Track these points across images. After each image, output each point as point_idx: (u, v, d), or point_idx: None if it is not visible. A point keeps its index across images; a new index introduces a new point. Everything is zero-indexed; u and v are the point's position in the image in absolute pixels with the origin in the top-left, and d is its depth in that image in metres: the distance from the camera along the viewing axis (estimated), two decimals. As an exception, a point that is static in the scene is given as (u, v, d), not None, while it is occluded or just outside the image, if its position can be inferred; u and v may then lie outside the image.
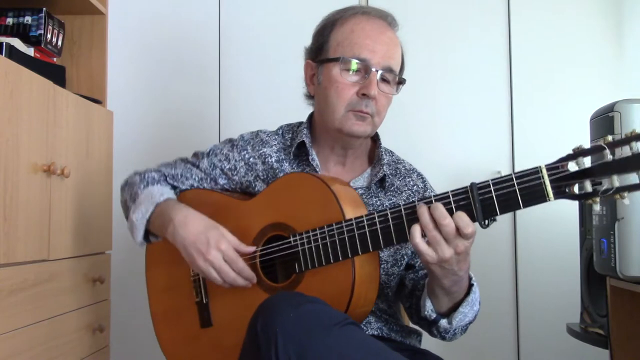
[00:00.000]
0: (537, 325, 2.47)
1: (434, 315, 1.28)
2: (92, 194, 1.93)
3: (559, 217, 2.41)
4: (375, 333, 1.39)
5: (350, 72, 1.38)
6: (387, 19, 1.44)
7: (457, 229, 1.13)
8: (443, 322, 1.29)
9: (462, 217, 1.13)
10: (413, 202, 1.18)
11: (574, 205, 2.12)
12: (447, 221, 1.13)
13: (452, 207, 1.14)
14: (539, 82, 2.54)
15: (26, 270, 1.55)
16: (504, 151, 2.53)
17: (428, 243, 1.15)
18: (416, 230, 1.15)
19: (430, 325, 1.32)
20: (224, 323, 1.40)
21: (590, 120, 1.82)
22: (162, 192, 1.46)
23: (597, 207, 1.06)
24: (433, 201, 1.16)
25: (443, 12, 2.59)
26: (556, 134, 2.49)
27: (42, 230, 1.63)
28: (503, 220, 2.49)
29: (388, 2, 2.59)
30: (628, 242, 1.63)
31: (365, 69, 1.37)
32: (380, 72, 1.37)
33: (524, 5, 2.56)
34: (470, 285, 1.27)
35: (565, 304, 2.31)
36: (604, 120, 1.70)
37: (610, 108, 1.68)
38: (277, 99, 2.51)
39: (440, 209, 1.14)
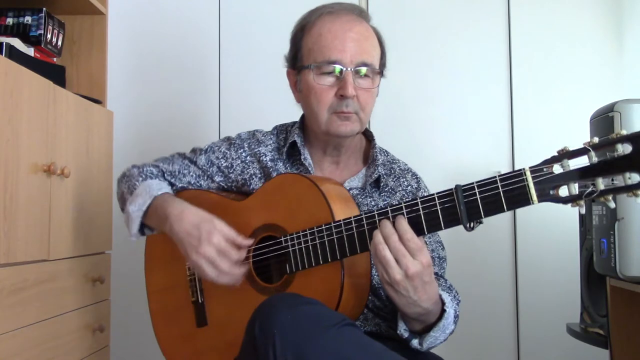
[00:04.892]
0: (537, 325, 2.47)
1: (406, 335, 1.28)
2: (92, 194, 1.93)
3: (559, 217, 2.41)
4: (374, 329, 1.40)
5: (325, 76, 1.38)
6: (355, 12, 1.43)
7: (402, 242, 1.14)
8: (414, 343, 1.28)
9: (402, 223, 1.15)
10: (400, 204, 1.18)
11: (574, 205, 2.12)
12: (394, 237, 1.14)
13: (437, 209, 1.14)
14: (539, 82, 2.54)
15: (26, 270, 1.55)
16: (504, 151, 2.53)
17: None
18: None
19: (404, 342, 1.31)
20: (219, 322, 1.41)
21: (590, 120, 1.82)
22: (160, 187, 1.46)
23: (582, 210, 1.05)
24: (419, 203, 1.15)
25: (443, 11, 2.59)
26: (556, 134, 2.49)
27: (42, 230, 1.63)
28: (503, 220, 2.50)
29: (388, 3, 2.61)
30: (628, 242, 1.62)
31: (339, 70, 1.37)
32: (354, 69, 1.37)
33: (524, 5, 2.56)
34: (443, 311, 1.25)
35: (565, 304, 2.31)
36: (604, 120, 1.70)
37: (610, 108, 1.68)
38: (277, 98, 2.50)
39: (388, 227, 1.15)
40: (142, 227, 1.46)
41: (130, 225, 1.45)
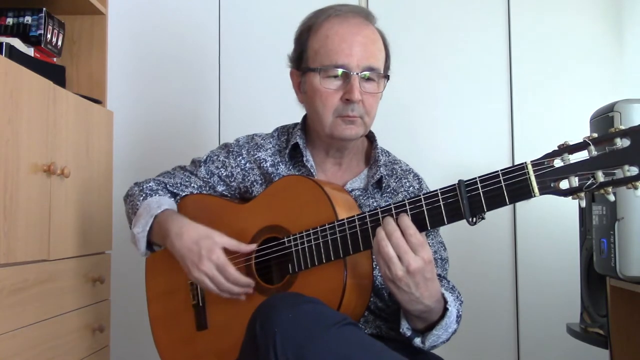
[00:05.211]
0: (537, 325, 2.47)
1: (408, 333, 1.29)
2: (92, 194, 1.93)
3: (559, 217, 2.41)
4: (374, 332, 1.40)
5: (331, 79, 1.38)
6: (362, 15, 1.42)
7: (405, 238, 1.15)
8: (417, 341, 1.29)
9: (405, 219, 1.16)
10: (403, 201, 1.19)
11: (574, 205, 2.12)
12: (397, 234, 1.15)
13: (440, 205, 1.15)
14: (539, 82, 2.54)
15: (26, 270, 1.55)
16: (504, 151, 2.53)
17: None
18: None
19: (405, 343, 1.32)
20: (219, 325, 1.41)
21: (590, 120, 1.82)
22: (160, 204, 1.46)
23: (582, 203, 1.08)
24: (422, 199, 1.16)
25: (443, 12, 2.59)
26: (556, 134, 2.47)
27: (42, 230, 1.63)
28: (503, 220, 2.50)
29: (388, 3, 2.61)
30: (628, 242, 1.62)
31: (345, 74, 1.37)
32: (360, 74, 1.37)
33: (524, 5, 2.56)
34: (446, 309, 1.26)
35: (565, 304, 2.30)
36: (604, 120, 1.70)
37: (610, 108, 1.68)
38: (277, 99, 2.50)
39: (391, 224, 1.16)
40: (151, 244, 1.47)
41: (138, 246, 1.46)
